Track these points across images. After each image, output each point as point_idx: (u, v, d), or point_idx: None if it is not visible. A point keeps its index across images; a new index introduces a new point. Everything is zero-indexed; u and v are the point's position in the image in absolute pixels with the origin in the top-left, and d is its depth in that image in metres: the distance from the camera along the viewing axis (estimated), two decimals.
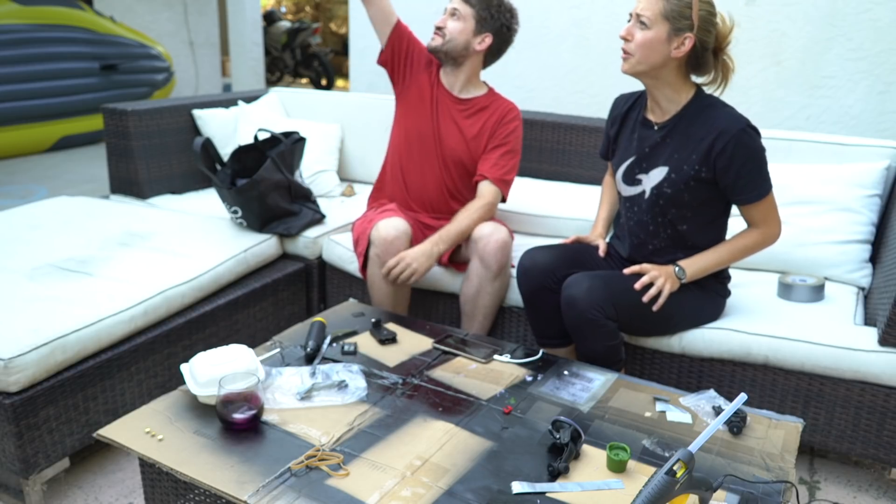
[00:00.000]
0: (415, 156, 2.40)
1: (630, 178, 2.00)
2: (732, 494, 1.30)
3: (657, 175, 1.92)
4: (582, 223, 2.55)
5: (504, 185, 2.34)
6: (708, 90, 1.93)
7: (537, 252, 2.03)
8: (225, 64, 9.23)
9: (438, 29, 2.30)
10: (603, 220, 2.24)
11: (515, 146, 2.37)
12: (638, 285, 1.88)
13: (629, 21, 1.84)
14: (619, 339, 1.90)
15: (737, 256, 1.93)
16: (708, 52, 1.85)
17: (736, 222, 2.05)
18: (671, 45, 1.80)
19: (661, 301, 1.88)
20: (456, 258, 2.35)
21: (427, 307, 2.45)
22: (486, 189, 2.32)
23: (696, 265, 1.92)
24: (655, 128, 1.93)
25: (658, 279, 1.89)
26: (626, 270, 1.94)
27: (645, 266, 1.93)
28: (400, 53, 2.41)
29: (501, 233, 2.19)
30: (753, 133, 1.81)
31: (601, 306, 1.82)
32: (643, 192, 1.96)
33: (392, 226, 2.19)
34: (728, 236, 1.98)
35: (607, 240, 2.19)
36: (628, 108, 2.04)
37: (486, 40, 2.30)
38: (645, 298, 1.87)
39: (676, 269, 1.92)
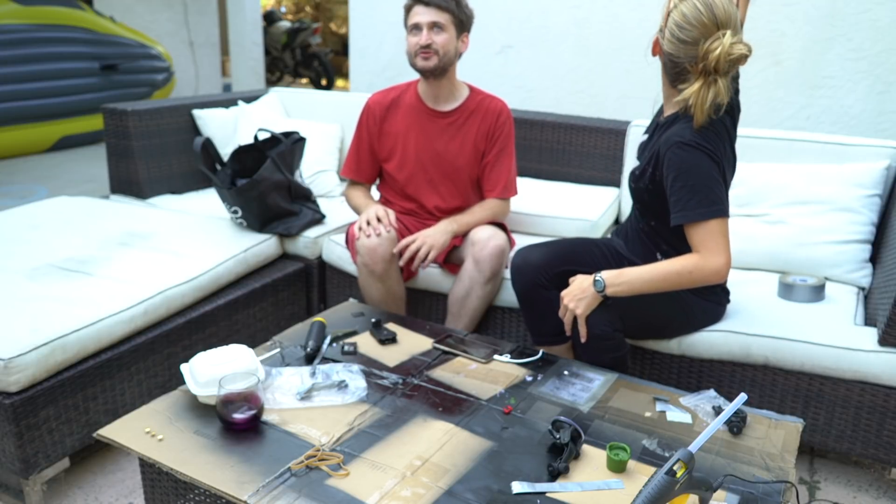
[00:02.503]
0: (422, 183, 2.39)
1: (637, 152, 2.01)
2: (732, 494, 1.30)
3: (633, 164, 1.94)
4: (582, 223, 2.55)
5: (513, 193, 2.42)
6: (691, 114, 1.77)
7: (529, 250, 2.03)
8: (225, 64, 9.23)
9: (426, 48, 2.21)
10: None
11: (511, 144, 2.41)
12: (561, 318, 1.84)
13: None
14: (626, 349, 1.88)
15: (670, 280, 1.73)
16: (678, 66, 1.73)
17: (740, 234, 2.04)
18: (655, 42, 1.79)
19: (581, 330, 1.79)
20: (451, 259, 2.35)
21: (422, 307, 2.45)
22: (497, 202, 2.40)
23: (621, 278, 1.76)
24: (662, 119, 1.91)
25: (568, 308, 1.79)
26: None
27: (562, 293, 1.84)
28: (379, 154, 2.41)
29: (499, 238, 2.19)
30: (689, 149, 1.69)
31: (610, 320, 1.80)
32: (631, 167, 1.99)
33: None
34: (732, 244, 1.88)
35: (609, 235, 2.19)
36: None
37: (466, 40, 2.30)
38: (567, 331, 1.83)
39: (595, 278, 1.78)
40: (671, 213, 1.76)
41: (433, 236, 2.20)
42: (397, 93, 2.39)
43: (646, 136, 1.99)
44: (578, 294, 1.79)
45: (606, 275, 1.77)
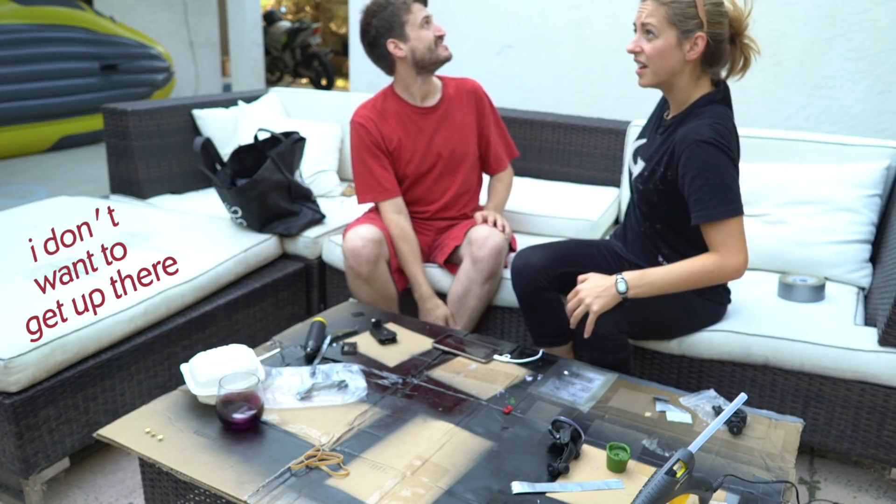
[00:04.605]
0: (431, 181, 2.39)
1: (634, 157, 2.00)
2: (732, 494, 1.30)
3: (638, 168, 1.93)
4: (582, 223, 2.55)
5: (517, 152, 2.57)
6: (731, 79, 1.85)
7: (530, 252, 2.03)
8: (225, 64, 9.23)
9: (442, 38, 2.28)
10: None
11: (496, 111, 2.49)
12: (568, 312, 1.82)
13: (635, 32, 1.79)
14: (629, 350, 1.88)
15: (691, 281, 1.76)
16: (723, 43, 1.76)
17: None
18: (683, 49, 1.73)
19: (589, 328, 1.76)
20: (451, 259, 2.35)
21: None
22: (508, 170, 2.52)
23: (644, 279, 1.77)
24: (664, 121, 1.91)
25: (584, 301, 1.77)
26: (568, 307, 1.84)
27: (581, 285, 1.81)
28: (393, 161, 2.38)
29: (497, 238, 2.18)
30: (710, 148, 1.70)
31: (616, 321, 1.80)
32: (631, 174, 1.97)
33: (358, 235, 2.20)
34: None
35: (608, 237, 2.18)
36: None
37: None
38: (572, 322, 1.80)
39: (619, 282, 1.77)
40: (691, 212, 1.75)
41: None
42: (378, 103, 2.36)
43: (643, 141, 1.98)
44: (597, 291, 1.77)
45: (629, 276, 1.77)
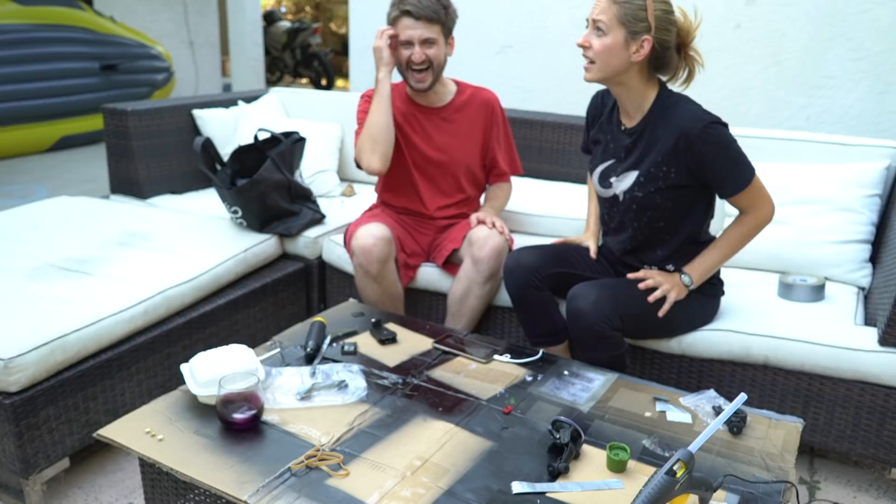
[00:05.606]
0: (422, 180, 2.39)
1: (604, 181, 1.99)
2: (732, 494, 1.30)
3: (628, 180, 1.91)
4: (581, 223, 2.55)
5: (521, 169, 2.55)
6: (672, 86, 1.90)
7: (521, 252, 2.04)
8: (225, 64, 9.23)
9: (419, 64, 2.19)
10: (594, 219, 2.22)
11: (508, 126, 2.49)
12: (642, 286, 1.89)
13: (587, 28, 1.81)
14: (625, 347, 1.89)
15: (737, 247, 1.90)
16: (670, 50, 1.81)
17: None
18: (629, 49, 1.76)
19: (665, 307, 1.88)
20: (450, 260, 2.35)
21: (422, 307, 2.45)
22: (509, 183, 2.51)
23: (700, 268, 1.91)
24: (626, 132, 1.92)
25: (662, 286, 1.89)
26: (630, 275, 1.93)
27: (649, 272, 1.92)
28: None
29: (497, 238, 2.19)
30: (718, 127, 1.77)
31: (609, 318, 1.80)
32: (616, 195, 1.96)
33: (369, 233, 2.19)
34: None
35: (600, 241, 2.19)
36: (609, 107, 2.00)
37: (452, 42, 2.28)
38: (651, 298, 1.87)
39: (683, 276, 1.91)
40: (718, 189, 1.85)
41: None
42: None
43: (610, 162, 1.97)
44: (672, 283, 1.90)
45: (689, 270, 1.91)
